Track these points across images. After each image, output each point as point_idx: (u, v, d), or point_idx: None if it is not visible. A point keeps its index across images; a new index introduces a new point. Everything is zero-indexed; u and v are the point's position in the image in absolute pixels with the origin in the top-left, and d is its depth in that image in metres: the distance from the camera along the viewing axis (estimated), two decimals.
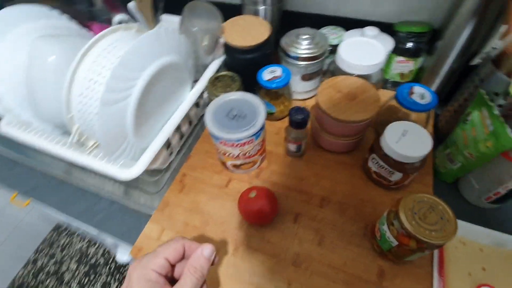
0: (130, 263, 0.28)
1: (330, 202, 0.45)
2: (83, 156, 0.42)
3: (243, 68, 0.53)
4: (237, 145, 0.42)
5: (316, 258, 0.40)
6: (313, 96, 0.60)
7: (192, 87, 0.52)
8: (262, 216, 0.41)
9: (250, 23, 0.52)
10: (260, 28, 0.51)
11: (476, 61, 0.43)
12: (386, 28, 0.55)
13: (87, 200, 0.51)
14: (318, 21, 0.62)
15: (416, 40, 0.53)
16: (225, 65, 0.57)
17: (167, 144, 0.48)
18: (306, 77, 0.54)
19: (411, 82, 0.59)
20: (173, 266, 0.28)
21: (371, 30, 0.52)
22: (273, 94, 0.52)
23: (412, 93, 0.45)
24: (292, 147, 0.49)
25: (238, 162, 0.46)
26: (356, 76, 0.47)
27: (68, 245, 1.30)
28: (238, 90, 0.51)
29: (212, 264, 0.29)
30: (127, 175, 0.41)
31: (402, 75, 0.57)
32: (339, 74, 0.50)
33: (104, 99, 0.34)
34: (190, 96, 0.50)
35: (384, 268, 0.39)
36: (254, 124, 0.41)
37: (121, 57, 0.34)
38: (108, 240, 0.82)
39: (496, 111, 0.37)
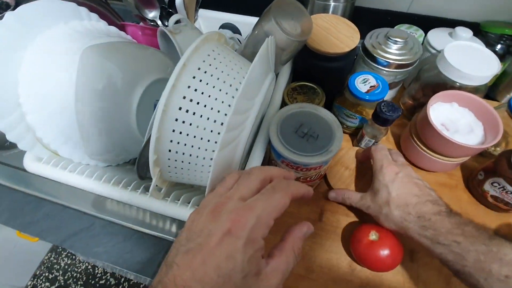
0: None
1: None
2: (163, 203, 0.33)
3: (323, 77, 0.45)
4: (302, 169, 0.35)
5: None
6: None
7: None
8: (391, 263, 0.34)
9: (334, 24, 0.43)
10: (349, 31, 0.43)
11: None
12: (470, 28, 0.49)
13: (151, 247, 0.42)
14: (387, 18, 0.55)
15: (507, 43, 0.48)
16: (293, 73, 0.48)
17: None
18: (392, 86, 0.47)
19: (493, 86, 0.55)
20: None
21: (464, 32, 0.46)
22: (361, 106, 0.44)
23: None
24: (365, 141, 0.45)
25: None
26: (459, 85, 0.42)
27: (70, 267, 1.17)
28: (321, 105, 0.43)
29: None
30: None
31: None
32: (432, 81, 0.44)
33: (224, 140, 0.25)
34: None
35: None
36: (329, 149, 0.33)
37: (243, 86, 0.25)
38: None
39: None
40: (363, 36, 0.46)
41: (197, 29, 0.45)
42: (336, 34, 0.42)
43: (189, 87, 0.27)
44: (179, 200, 0.34)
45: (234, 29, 0.57)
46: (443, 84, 0.43)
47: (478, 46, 0.42)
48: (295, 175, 0.37)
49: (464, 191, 0.43)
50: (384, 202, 0.34)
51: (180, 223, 0.42)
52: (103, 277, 1.14)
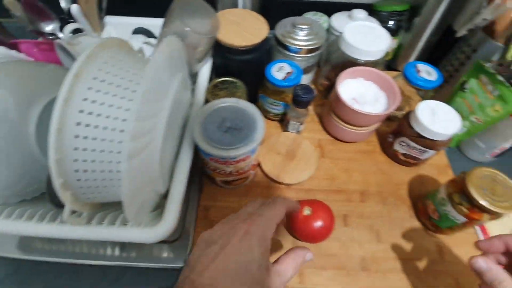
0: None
1: (369, 194, 0.44)
2: (86, 228, 0.31)
3: (241, 70, 0.46)
4: (230, 163, 0.36)
5: (381, 256, 0.39)
6: None
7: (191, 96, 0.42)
8: (324, 233, 0.37)
9: (243, 18, 0.45)
10: (257, 23, 0.44)
11: (462, 32, 0.46)
12: (365, 9, 0.54)
13: (89, 277, 0.39)
14: (293, 8, 0.58)
15: (397, 19, 0.55)
16: (214, 70, 0.48)
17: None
18: (306, 70, 0.51)
19: (392, 59, 0.62)
20: None
21: (360, 13, 0.51)
22: (282, 94, 0.47)
23: (419, 71, 0.46)
24: (291, 124, 0.48)
25: (229, 178, 0.41)
26: (362, 61, 0.46)
27: None
28: (242, 96, 0.44)
29: None
30: (157, 235, 0.31)
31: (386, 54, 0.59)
32: (339, 61, 0.48)
33: (131, 150, 0.24)
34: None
35: (440, 244, 0.40)
36: (252, 139, 0.35)
37: (142, 92, 0.24)
38: None
39: (500, 77, 0.41)
40: (274, 27, 0.48)
41: (101, 38, 0.43)
42: (246, 27, 0.43)
43: (85, 99, 0.25)
44: (104, 221, 0.32)
45: (148, 33, 0.55)
46: (348, 63, 0.47)
47: (372, 24, 0.47)
48: (227, 169, 0.38)
49: (380, 154, 0.49)
50: None
51: (121, 244, 0.40)
52: None
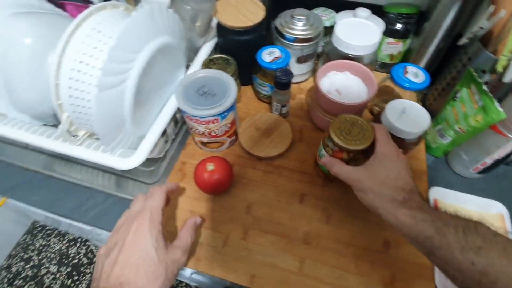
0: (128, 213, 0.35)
1: (333, 180, 0.46)
2: (77, 147, 0.39)
3: (238, 50, 0.51)
4: (201, 122, 0.42)
5: (325, 235, 0.41)
6: (308, 79, 0.60)
7: (186, 71, 0.49)
8: (225, 183, 0.43)
9: (243, 3, 0.50)
10: (255, 8, 0.49)
11: (463, 41, 0.45)
12: (375, 10, 0.55)
13: (77, 197, 0.48)
14: (307, 2, 0.61)
15: (405, 22, 0.55)
16: (218, 48, 0.55)
17: (163, 132, 0.46)
18: (301, 59, 0.54)
19: (400, 63, 0.62)
20: None
21: (363, 11, 0.53)
22: (270, 77, 0.51)
23: (406, 72, 0.46)
24: (274, 106, 0.51)
25: (204, 139, 0.46)
26: (351, 56, 0.48)
27: (45, 248, 1.22)
28: (233, 73, 0.49)
29: None
30: (127, 164, 0.38)
31: (391, 56, 0.59)
32: (335, 55, 0.50)
33: (102, 83, 0.31)
34: None
35: (389, 239, 0.41)
36: (220, 103, 0.41)
37: (117, 37, 0.31)
38: (104, 235, 0.78)
39: (485, 87, 0.40)
40: None
41: (129, 9, 0.52)
42: (243, 11, 0.49)
43: (82, 43, 0.33)
44: (91, 147, 0.40)
45: None
46: (340, 57, 0.49)
47: (366, 22, 0.49)
48: (200, 129, 0.44)
49: None
50: (379, 180, 0.31)
51: (109, 176, 0.49)
52: (76, 257, 1.20)
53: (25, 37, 0.37)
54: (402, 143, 0.42)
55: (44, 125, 0.46)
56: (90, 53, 0.33)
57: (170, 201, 0.40)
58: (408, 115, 0.41)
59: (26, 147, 0.53)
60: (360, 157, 0.38)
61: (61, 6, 0.50)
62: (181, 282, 1.10)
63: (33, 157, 0.52)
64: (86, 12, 0.34)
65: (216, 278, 0.40)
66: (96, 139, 0.43)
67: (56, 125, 0.48)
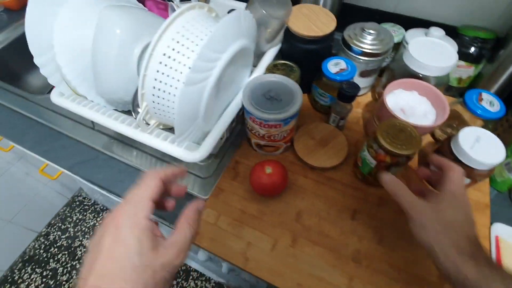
0: (110, 211, 0.25)
1: (388, 201, 0.45)
2: (149, 136, 0.42)
3: (303, 58, 0.51)
4: (264, 125, 0.42)
5: (377, 256, 0.40)
6: (366, 93, 0.59)
7: (250, 74, 0.50)
8: (282, 185, 0.44)
9: (315, 13, 0.50)
10: (326, 19, 0.49)
11: None
12: (447, 30, 0.53)
13: (132, 179, 0.50)
14: (375, 16, 0.60)
15: (480, 46, 0.52)
16: (281, 54, 0.55)
17: None
18: (365, 73, 0.53)
19: (468, 88, 0.59)
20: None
21: (437, 31, 0.51)
22: (332, 88, 0.51)
23: (481, 99, 0.44)
24: (332, 117, 0.51)
25: (262, 142, 0.47)
26: (420, 76, 0.47)
27: (81, 222, 1.30)
28: (296, 80, 0.49)
29: None
30: (192, 157, 0.40)
31: (460, 80, 0.56)
32: (402, 73, 0.49)
33: (189, 79, 0.32)
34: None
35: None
36: (286, 110, 0.41)
37: (209, 37, 0.32)
38: None
39: None
40: None
41: (211, 10, 0.54)
42: (315, 21, 0.49)
43: (173, 39, 0.35)
44: (160, 136, 0.42)
45: None
46: (409, 76, 0.48)
47: (443, 43, 0.47)
48: (260, 131, 0.44)
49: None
50: (446, 220, 0.29)
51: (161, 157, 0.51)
52: None
53: (116, 27, 0.40)
54: (471, 174, 0.40)
55: (115, 109, 0.50)
56: (178, 49, 0.35)
57: (182, 190, 0.31)
58: (482, 145, 0.38)
59: (92, 127, 0.57)
60: (402, 163, 0.39)
61: (141, 1, 0.54)
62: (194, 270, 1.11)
63: (96, 137, 0.56)
64: (178, 11, 0.36)
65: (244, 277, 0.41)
66: (163, 129, 0.45)
67: (124, 111, 0.51)
